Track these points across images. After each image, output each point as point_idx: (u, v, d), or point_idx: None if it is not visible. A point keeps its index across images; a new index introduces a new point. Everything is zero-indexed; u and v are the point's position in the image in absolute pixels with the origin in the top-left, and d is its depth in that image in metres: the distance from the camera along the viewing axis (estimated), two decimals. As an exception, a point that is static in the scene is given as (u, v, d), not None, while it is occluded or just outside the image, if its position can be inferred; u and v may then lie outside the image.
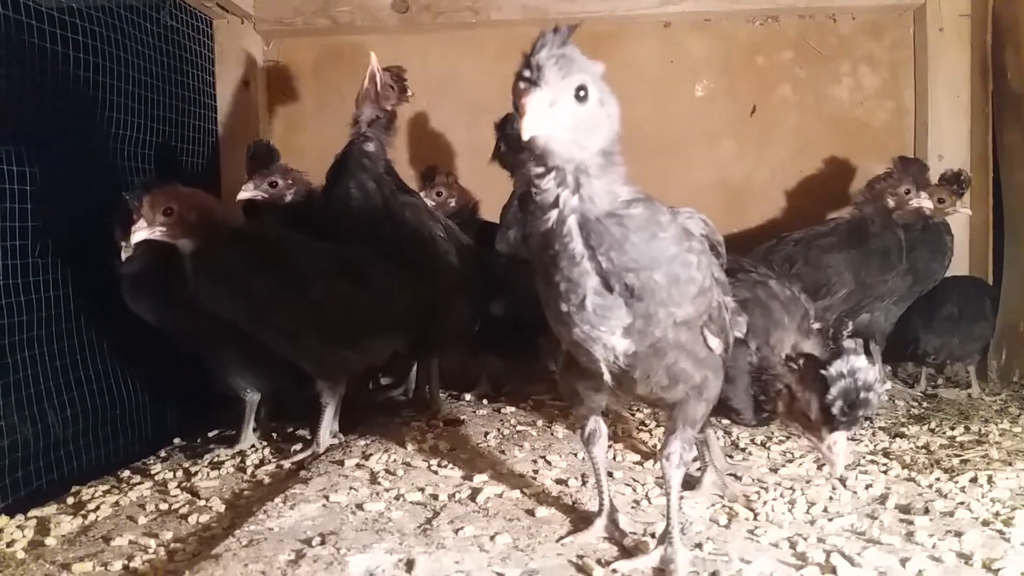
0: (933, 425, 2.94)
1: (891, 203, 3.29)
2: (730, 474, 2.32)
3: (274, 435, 2.97)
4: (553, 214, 1.48)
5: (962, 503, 2.04)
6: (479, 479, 2.22)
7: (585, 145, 1.44)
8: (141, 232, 2.46)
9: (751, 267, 2.24)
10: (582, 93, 1.41)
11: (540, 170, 1.48)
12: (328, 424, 2.65)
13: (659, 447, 2.07)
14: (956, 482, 2.21)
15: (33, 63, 2.68)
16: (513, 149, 3.08)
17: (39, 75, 2.71)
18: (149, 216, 2.47)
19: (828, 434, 1.80)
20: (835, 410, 1.74)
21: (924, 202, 3.27)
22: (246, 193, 3.05)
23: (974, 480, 2.22)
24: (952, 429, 2.87)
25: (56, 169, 2.78)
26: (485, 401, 3.23)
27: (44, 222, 2.70)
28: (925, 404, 3.36)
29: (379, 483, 2.20)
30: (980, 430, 2.84)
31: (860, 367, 1.74)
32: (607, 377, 1.65)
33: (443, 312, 2.83)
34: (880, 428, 2.92)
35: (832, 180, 4.07)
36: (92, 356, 2.91)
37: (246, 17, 4.09)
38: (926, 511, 1.98)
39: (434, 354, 3.07)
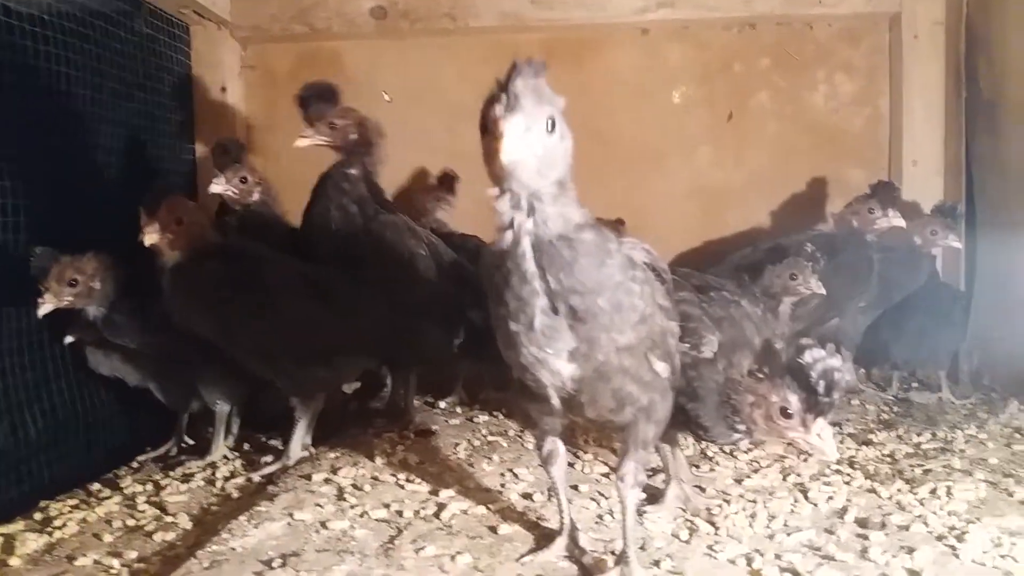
0: (901, 431, 2.97)
1: (855, 223, 3.40)
2: (695, 486, 2.35)
3: (246, 445, 2.98)
4: (508, 235, 1.51)
5: (919, 516, 2.07)
6: (445, 494, 2.24)
7: (546, 175, 1.49)
8: (153, 236, 2.51)
9: (720, 285, 2.26)
10: (551, 124, 1.46)
11: (496, 192, 1.51)
12: (300, 438, 2.67)
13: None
14: (916, 493, 2.24)
15: (3, 70, 2.66)
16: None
17: (11, 82, 2.69)
18: (164, 221, 2.51)
19: (814, 422, 1.80)
20: (820, 391, 1.75)
21: (895, 221, 3.36)
22: (218, 187, 3.02)
23: (933, 491, 2.24)
24: (919, 435, 2.90)
25: (30, 179, 2.76)
26: (459, 409, 3.24)
27: (17, 230, 2.69)
28: (896, 409, 3.40)
29: (345, 499, 2.21)
30: (947, 436, 2.88)
31: (825, 353, 1.77)
32: (555, 401, 1.69)
33: (421, 331, 2.84)
34: (849, 435, 2.95)
35: (809, 187, 4.09)
36: (62, 364, 2.89)
37: (223, 23, 4.08)
38: (883, 526, 2.01)
39: (412, 370, 3.08)
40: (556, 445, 1.89)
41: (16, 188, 2.67)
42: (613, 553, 1.87)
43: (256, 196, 3.09)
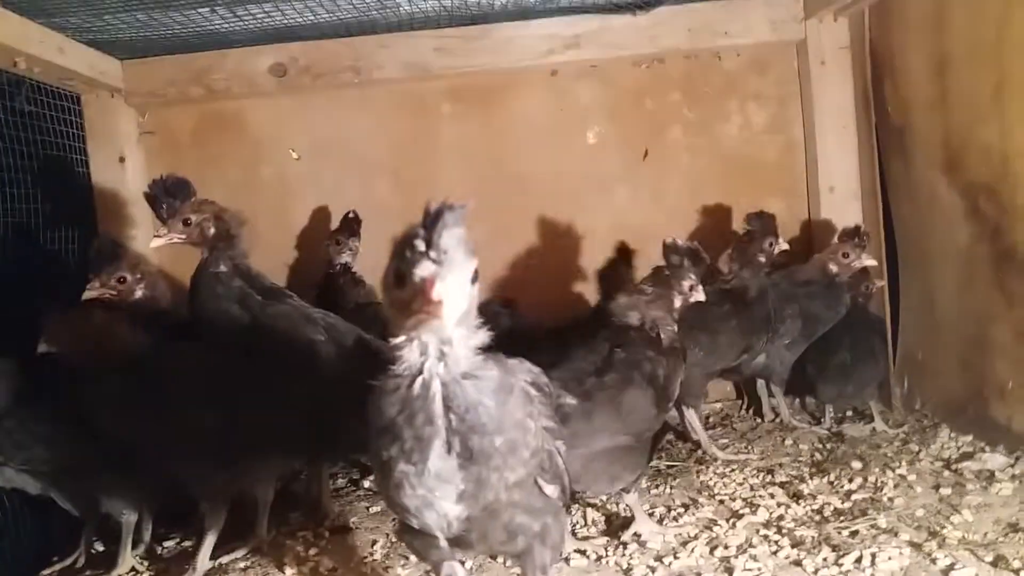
0: (832, 477, 2.93)
1: (762, 259, 3.45)
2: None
3: (160, 549, 2.83)
4: (418, 381, 1.45)
5: (843, 596, 2.02)
6: (355, 613, 2.13)
7: (463, 322, 1.43)
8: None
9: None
10: (475, 276, 1.39)
11: (402, 339, 1.44)
12: (207, 550, 2.53)
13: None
14: (841, 564, 2.19)
15: None
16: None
17: None
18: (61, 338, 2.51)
19: None
20: None
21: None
22: (91, 293, 2.85)
23: (858, 561, 2.20)
24: (850, 482, 2.86)
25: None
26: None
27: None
28: (828, 446, 3.37)
29: (246, 628, 2.09)
30: (877, 481, 2.85)
31: None
32: (442, 541, 1.62)
33: (336, 423, 2.70)
34: (780, 484, 2.91)
35: (727, 219, 4.06)
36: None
37: (116, 91, 3.91)
38: (804, 615, 1.95)
39: (331, 463, 2.96)
40: (453, 568, 1.79)
41: None
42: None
43: (139, 293, 2.92)
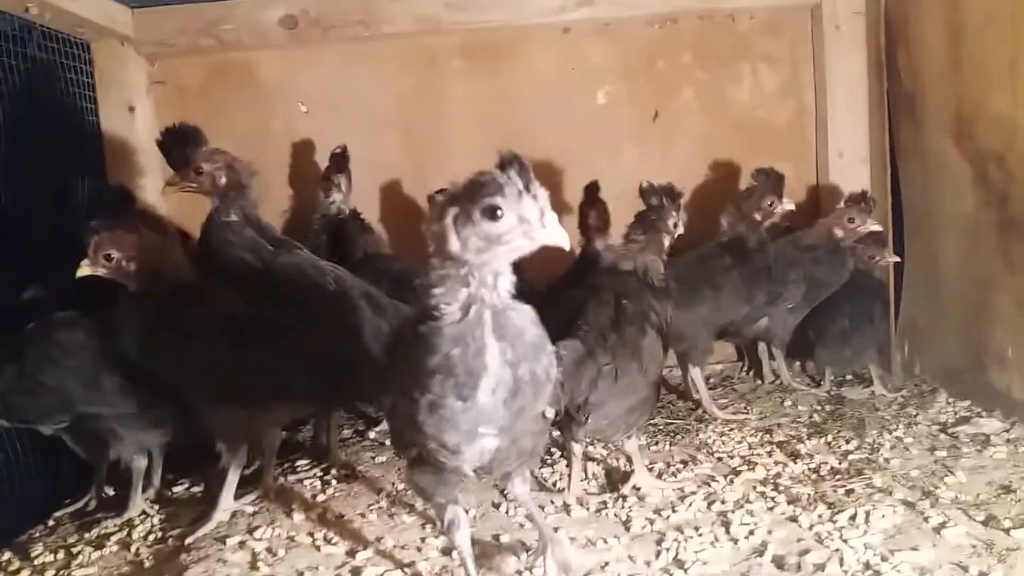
0: (830, 438, 2.98)
1: (758, 217, 3.42)
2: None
3: (169, 493, 2.90)
4: (473, 309, 1.54)
5: (836, 551, 2.07)
6: (362, 556, 2.19)
7: None
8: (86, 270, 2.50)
9: None
10: None
11: (453, 270, 1.54)
12: (230, 490, 2.57)
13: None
14: (835, 521, 2.24)
15: None
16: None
17: None
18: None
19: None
20: None
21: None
22: (85, 270, 2.73)
23: (853, 518, 2.25)
24: (847, 443, 2.91)
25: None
26: (387, 441, 3.18)
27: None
28: (827, 408, 3.42)
29: (258, 567, 2.15)
30: (874, 442, 2.90)
31: None
32: (471, 474, 1.76)
33: (343, 369, 2.74)
34: (778, 444, 2.96)
35: (735, 182, 4.04)
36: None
37: (126, 40, 3.89)
38: (798, 568, 2.00)
39: (343, 409, 3.01)
40: (457, 512, 1.87)
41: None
42: None
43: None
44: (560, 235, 1.53)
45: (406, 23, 3.95)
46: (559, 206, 3.98)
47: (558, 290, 3.27)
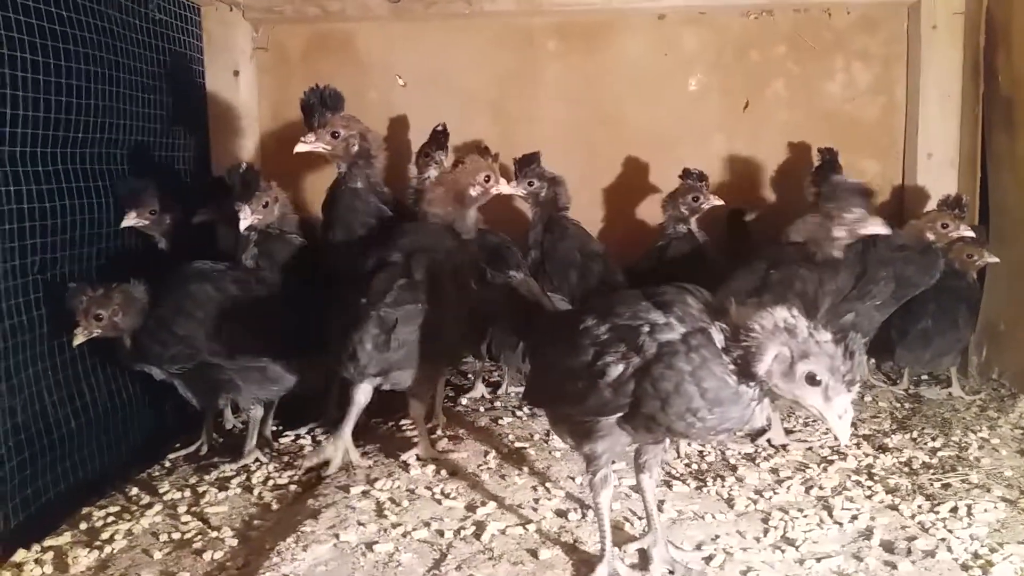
0: (915, 434, 3.05)
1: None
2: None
3: (277, 444, 3.04)
4: None
5: (943, 540, 2.15)
6: (482, 512, 2.31)
7: None
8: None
9: None
10: None
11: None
12: (351, 422, 2.65)
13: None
14: (937, 512, 2.32)
15: (15, 60, 2.54)
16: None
17: (23, 72, 2.58)
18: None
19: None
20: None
21: (965, 232, 3.50)
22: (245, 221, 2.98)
23: (954, 511, 2.33)
24: (933, 440, 2.98)
25: (45, 171, 2.74)
26: (481, 408, 3.30)
27: (35, 230, 2.68)
28: (907, 405, 3.48)
29: (385, 516, 2.28)
30: (960, 441, 2.96)
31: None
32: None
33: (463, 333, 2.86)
34: (864, 437, 3.03)
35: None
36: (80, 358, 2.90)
37: (235, 5, 4.01)
38: (908, 552, 2.09)
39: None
40: (608, 471, 1.96)
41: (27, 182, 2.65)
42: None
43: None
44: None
45: (507, 2, 4.03)
46: (645, 189, 4.12)
47: None
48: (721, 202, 3.63)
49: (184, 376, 2.91)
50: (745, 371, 1.75)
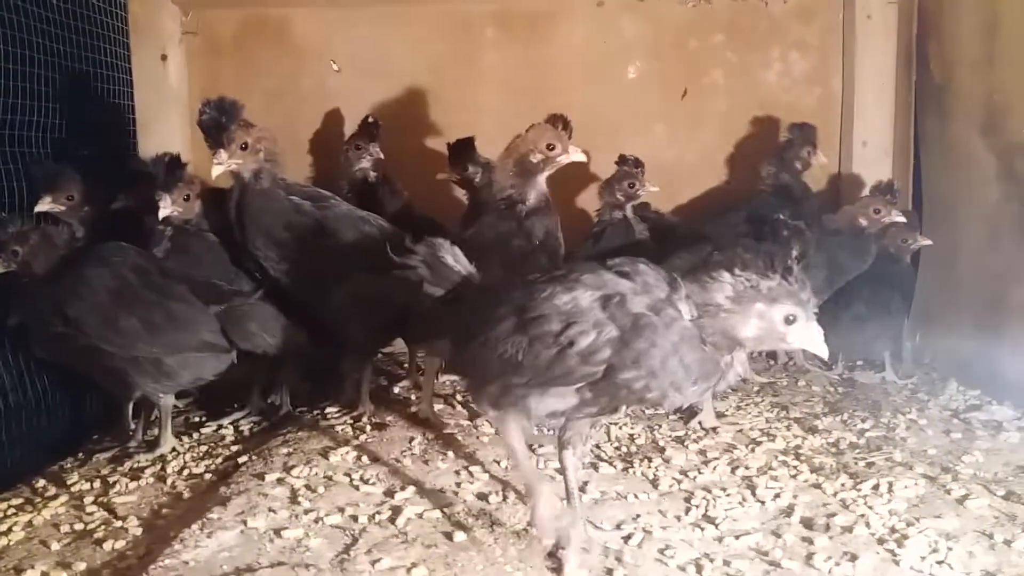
0: (845, 416, 3.06)
1: (799, 166, 3.87)
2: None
3: (196, 433, 2.95)
4: None
5: (862, 516, 2.14)
6: (400, 496, 2.24)
7: None
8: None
9: None
10: None
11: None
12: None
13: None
14: (859, 490, 2.31)
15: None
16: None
17: None
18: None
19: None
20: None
21: (896, 217, 3.59)
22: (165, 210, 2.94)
23: (876, 488, 2.32)
24: (863, 422, 2.99)
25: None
26: (413, 396, 3.24)
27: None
28: (840, 390, 3.49)
29: (299, 502, 2.20)
30: (889, 422, 2.97)
31: None
32: None
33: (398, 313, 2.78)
34: (795, 420, 3.02)
35: (759, 164, 4.10)
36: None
37: (160, -14, 3.90)
38: (827, 528, 2.07)
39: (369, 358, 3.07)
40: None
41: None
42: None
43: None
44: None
45: (442, -11, 3.97)
46: (586, 177, 4.09)
47: None
48: (656, 188, 3.59)
49: (81, 362, 2.79)
50: (728, 341, 1.79)
